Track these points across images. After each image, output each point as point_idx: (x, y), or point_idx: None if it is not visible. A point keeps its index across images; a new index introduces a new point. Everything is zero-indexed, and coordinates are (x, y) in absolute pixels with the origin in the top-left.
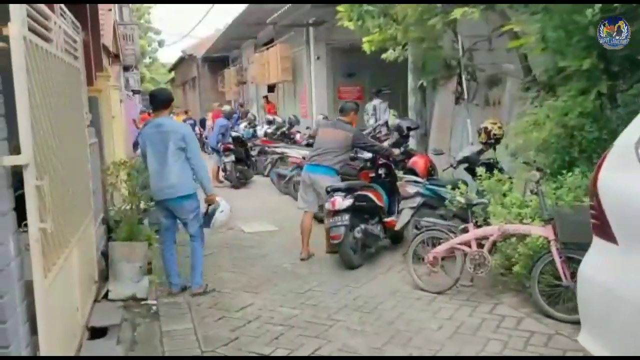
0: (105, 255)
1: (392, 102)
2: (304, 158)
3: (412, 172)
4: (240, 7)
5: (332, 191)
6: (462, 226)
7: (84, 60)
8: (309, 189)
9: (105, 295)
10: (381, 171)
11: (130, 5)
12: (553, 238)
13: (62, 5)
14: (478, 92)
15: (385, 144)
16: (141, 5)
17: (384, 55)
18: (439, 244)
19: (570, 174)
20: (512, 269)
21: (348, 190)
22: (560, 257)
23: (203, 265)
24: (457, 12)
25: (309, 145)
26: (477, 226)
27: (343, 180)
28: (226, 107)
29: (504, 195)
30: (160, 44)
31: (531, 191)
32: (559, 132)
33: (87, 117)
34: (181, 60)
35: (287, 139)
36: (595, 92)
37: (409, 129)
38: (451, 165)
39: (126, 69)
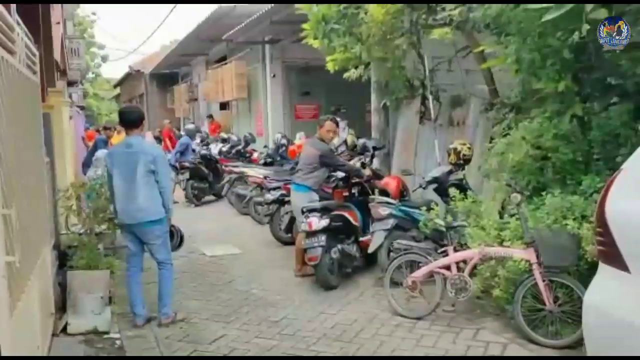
0: (61, 284)
1: (350, 121)
2: (265, 177)
3: (384, 193)
4: (194, 23)
5: (308, 212)
6: (441, 249)
7: None
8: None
9: (64, 329)
10: (355, 190)
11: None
12: (535, 261)
13: (18, 18)
14: (442, 112)
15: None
16: (84, 19)
17: (346, 75)
18: (417, 267)
19: (548, 195)
20: (490, 292)
21: (324, 211)
22: (544, 281)
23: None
24: (436, 33)
25: (266, 164)
26: (456, 249)
27: (321, 199)
28: (190, 126)
29: (477, 216)
30: (104, 59)
31: (510, 214)
32: (534, 153)
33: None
34: (127, 76)
35: (242, 158)
36: (569, 114)
37: (375, 148)
38: (420, 186)
39: (70, 84)
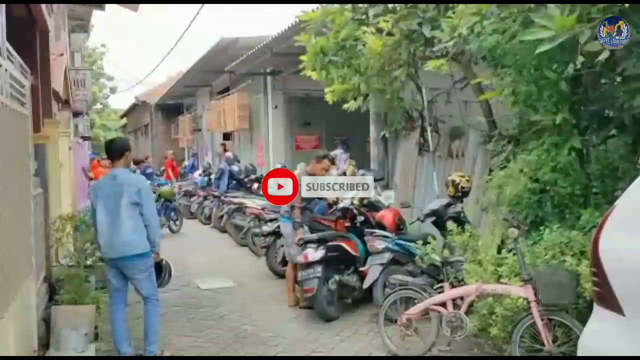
0: (46, 320)
1: (350, 152)
2: (263, 209)
3: (381, 226)
4: (197, 55)
5: (304, 243)
6: (437, 285)
7: (32, 106)
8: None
9: None
10: (357, 220)
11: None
12: (534, 299)
13: (9, 47)
14: (441, 144)
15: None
16: (94, 51)
17: (345, 106)
18: (413, 304)
19: (547, 230)
20: (488, 331)
21: (320, 242)
22: (542, 320)
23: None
24: (431, 64)
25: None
26: (452, 285)
27: (312, 231)
28: (228, 154)
29: (475, 251)
30: (113, 90)
31: (508, 250)
32: (532, 186)
33: (32, 166)
34: (134, 107)
35: (242, 188)
36: (567, 147)
37: (374, 180)
38: (418, 219)
39: (76, 114)
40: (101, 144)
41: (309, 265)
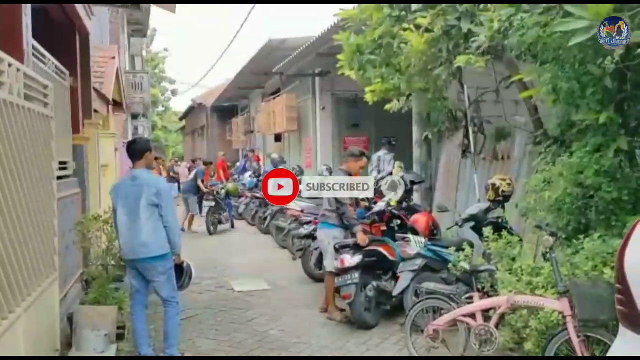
0: (70, 319)
1: (397, 153)
2: (302, 211)
3: (413, 230)
4: (248, 56)
5: (340, 248)
6: (466, 295)
7: (71, 108)
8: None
9: None
10: (393, 224)
11: (145, 54)
12: (569, 314)
13: (40, 47)
14: (485, 146)
15: (387, 197)
16: (156, 55)
17: (387, 106)
18: (441, 313)
19: (587, 238)
20: (521, 344)
21: (356, 247)
22: (578, 337)
23: (180, 331)
24: (460, 60)
25: (311, 198)
26: (484, 294)
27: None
28: (274, 155)
29: (513, 259)
30: (174, 92)
31: (544, 257)
32: (574, 191)
33: (70, 166)
34: (191, 109)
35: None
36: (613, 148)
37: (412, 182)
38: (456, 224)
39: (134, 116)
40: (162, 145)
41: (346, 270)
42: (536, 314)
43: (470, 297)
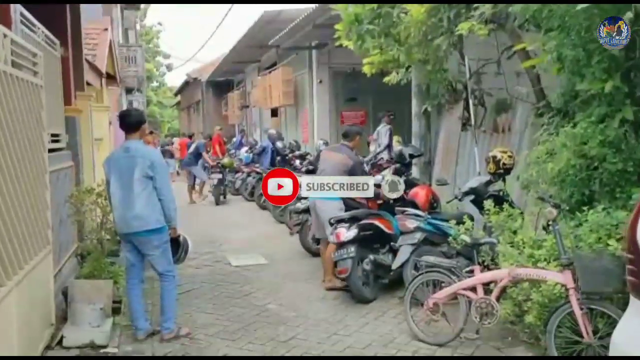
0: (65, 294)
1: (397, 127)
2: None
3: (413, 204)
4: (244, 29)
5: (335, 222)
6: (467, 268)
7: (62, 78)
8: (314, 214)
9: (60, 341)
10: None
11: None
12: (572, 286)
13: (29, 16)
14: (486, 118)
15: (386, 171)
16: (150, 29)
17: (386, 79)
18: (441, 287)
19: (591, 211)
20: (523, 317)
21: (352, 220)
22: (582, 309)
23: (177, 305)
24: (463, 27)
25: (309, 171)
26: (484, 268)
27: (348, 209)
28: (271, 131)
29: (514, 232)
30: (169, 67)
31: (544, 229)
32: (578, 162)
33: (62, 139)
34: (186, 84)
35: (287, 165)
36: (619, 119)
37: (411, 156)
38: (456, 197)
39: (129, 91)
40: (157, 121)
41: (342, 245)
42: (538, 287)
43: (471, 271)
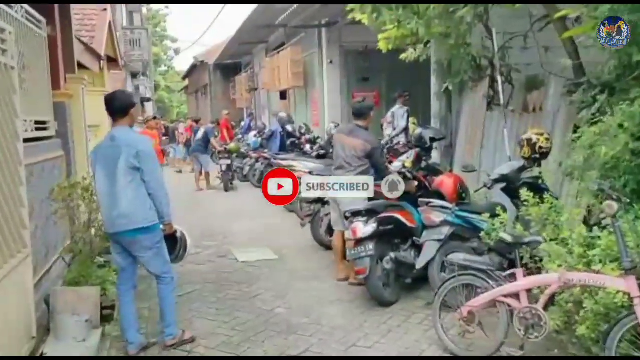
0: (47, 302)
1: (412, 108)
2: (310, 172)
3: (439, 194)
4: (250, 9)
5: (351, 216)
6: (508, 272)
7: (50, 60)
8: (334, 206)
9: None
10: None
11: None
12: (638, 295)
13: None
14: (514, 97)
15: (404, 157)
16: (157, 13)
17: (402, 56)
18: (476, 292)
19: None
20: (572, 326)
21: (370, 213)
22: None
23: (177, 309)
24: None
25: (320, 156)
26: (527, 271)
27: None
28: (282, 114)
29: (556, 227)
30: (177, 51)
31: (597, 225)
32: (635, 146)
33: (51, 126)
34: (193, 68)
35: (297, 149)
36: None
37: (432, 139)
38: (485, 185)
39: (135, 75)
40: (166, 106)
41: (359, 242)
42: (591, 293)
43: (512, 274)
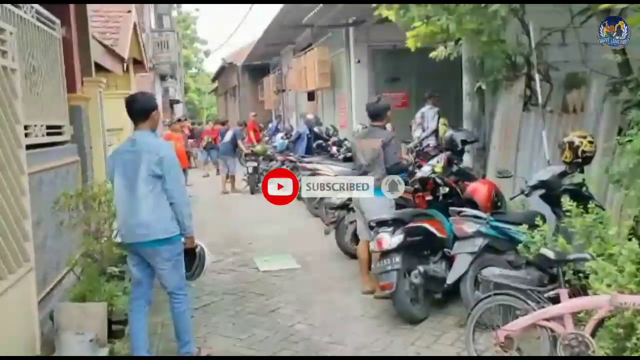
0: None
1: (442, 109)
2: (336, 176)
3: (471, 202)
4: (276, 9)
5: (376, 226)
6: (550, 292)
7: (65, 63)
8: (359, 213)
9: None
10: (440, 191)
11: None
12: None
13: None
14: (552, 96)
15: (434, 161)
16: (187, 16)
17: (432, 54)
18: (515, 314)
19: None
20: (623, 353)
21: (396, 223)
22: None
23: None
24: None
25: (347, 159)
26: (570, 289)
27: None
28: (309, 116)
29: (602, 240)
30: (207, 53)
31: None
32: None
33: (66, 131)
34: (222, 69)
35: (324, 152)
36: None
37: (464, 142)
38: (522, 192)
39: (163, 77)
40: (196, 108)
41: (385, 254)
42: None
43: (553, 294)
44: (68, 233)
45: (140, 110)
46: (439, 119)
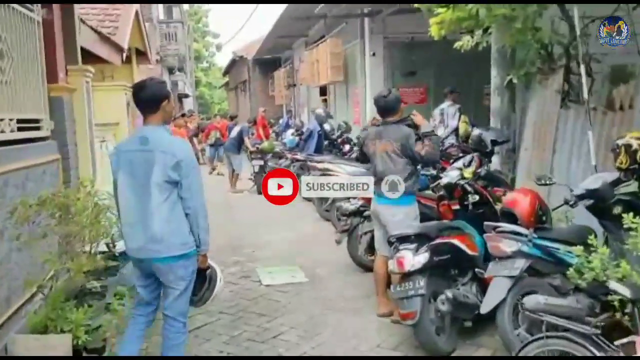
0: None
1: (462, 106)
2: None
3: (508, 215)
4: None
5: (397, 241)
6: (623, 340)
7: (45, 49)
8: (378, 224)
9: None
10: (469, 200)
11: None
12: None
13: None
14: (596, 91)
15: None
16: (199, 9)
17: (457, 44)
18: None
19: None
20: None
21: (420, 238)
22: None
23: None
24: None
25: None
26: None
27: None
28: (319, 110)
29: None
30: (218, 47)
31: None
32: None
33: (45, 126)
34: (233, 63)
35: (336, 150)
36: None
37: (494, 142)
38: (566, 202)
39: (171, 70)
40: (207, 102)
41: (407, 276)
42: None
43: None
44: (42, 245)
45: (149, 99)
46: (460, 116)
